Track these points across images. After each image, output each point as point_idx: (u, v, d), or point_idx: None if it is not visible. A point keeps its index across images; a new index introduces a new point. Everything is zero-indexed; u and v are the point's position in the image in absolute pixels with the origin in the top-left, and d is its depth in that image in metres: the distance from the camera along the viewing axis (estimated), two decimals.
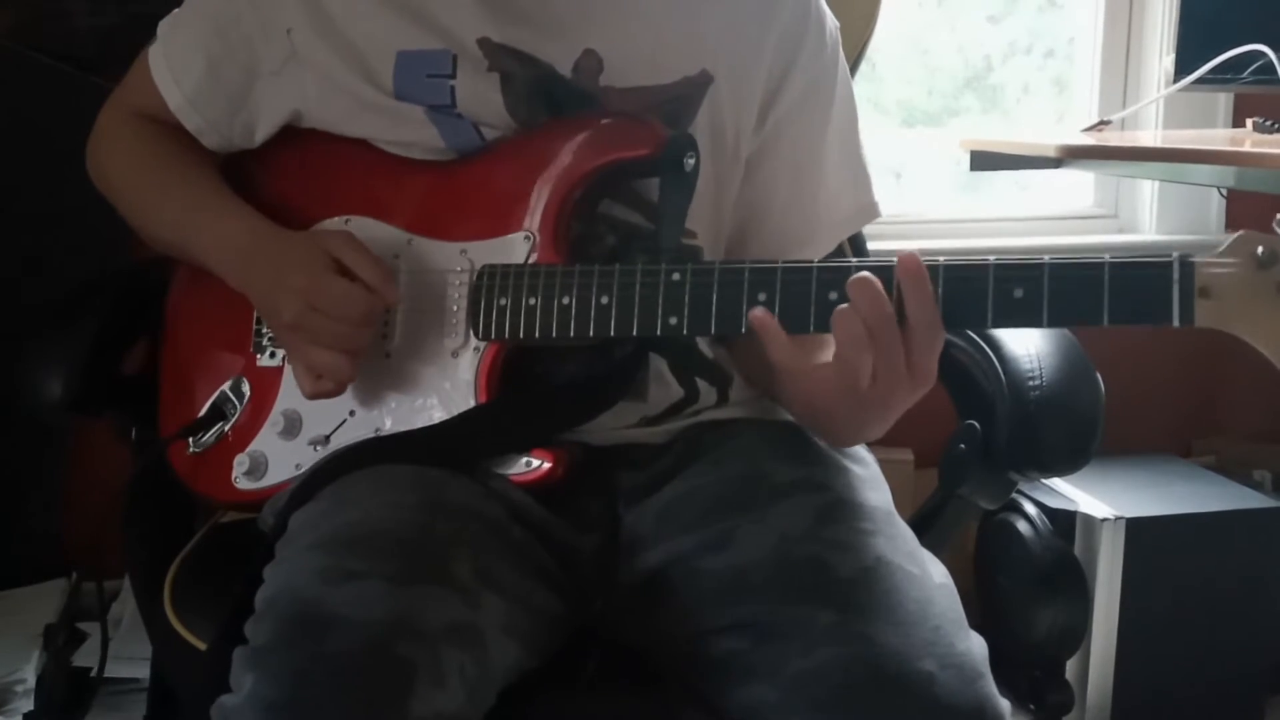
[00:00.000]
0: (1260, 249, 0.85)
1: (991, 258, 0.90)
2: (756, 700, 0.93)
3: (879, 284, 0.90)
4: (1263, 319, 0.85)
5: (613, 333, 1.00)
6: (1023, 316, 0.90)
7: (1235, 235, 0.86)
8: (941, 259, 0.91)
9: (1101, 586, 1.89)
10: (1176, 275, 0.86)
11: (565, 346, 1.04)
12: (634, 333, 0.99)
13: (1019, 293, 0.89)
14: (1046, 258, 0.89)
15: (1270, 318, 0.85)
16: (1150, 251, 0.88)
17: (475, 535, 0.96)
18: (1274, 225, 0.85)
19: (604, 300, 1.00)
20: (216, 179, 1.17)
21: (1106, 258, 0.88)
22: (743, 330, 0.96)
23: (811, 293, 0.94)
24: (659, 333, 0.99)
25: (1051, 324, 0.89)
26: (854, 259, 0.94)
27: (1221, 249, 0.86)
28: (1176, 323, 0.86)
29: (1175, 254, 0.86)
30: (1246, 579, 1.96)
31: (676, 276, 0.98)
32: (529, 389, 1.07)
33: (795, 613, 0.94)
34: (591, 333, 1.01)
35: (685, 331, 0.98)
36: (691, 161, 1.04)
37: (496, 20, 1.08)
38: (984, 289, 0.90)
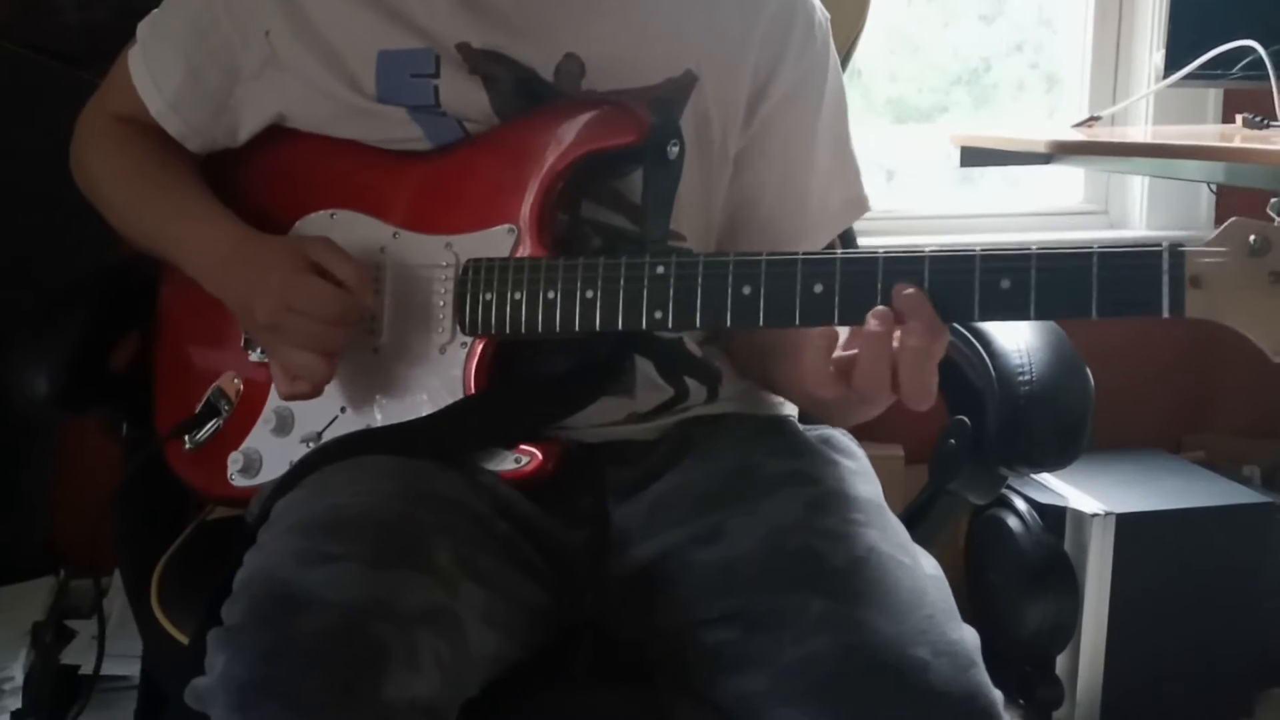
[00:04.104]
0: (1253, 236, 0.82)
1: (978, 248, 0.89)
2: (749, 690, 0.92)
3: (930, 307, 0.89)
4: (1256, 308, 0.82)
5: (598, 327, 0.99)
6: (1010, 309, 0.88)
7: (1226, 223, 0.84)
8: (927, 249, 0.90)
9: (1091, 582, 1.89)
10: (1166, 265, 0.83)
11: (552, 340, 1.04)
12: (619, 327, 0.98)
13: (1005, 284, 0.87)
14: (1034, 248, 0.88)
15: (1264, 306, 0.82)
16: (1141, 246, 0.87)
17: (457, 525, 0.96)
18: (1268, 210, 0.83)
19: (589, 295, 0.99)
20: (199, 185, 1.15)
21: (1095, 247, 0.86)
22: (728, 324, 0.95)
23: (797, 285, 0.93)
24: (644, 327, 0.98)
25: (1039, 316, 0.88)
26: (839, 251, 0.92)
27: (1212, 237, 0.84)
28: (1166, 313, 0.84)
29: (1165, 243, 0.84)
30: (1236, 574, 1.96)
31: (661, 270, 0.97)
32: (517, 383, 1.06)
33: (787, 602, 0.94)
34: (577, 327, 1.00)
35: (671, 326, 0.97)
36: (675, 149, 1.03)
37: (475, 25, 1.08)
38: (970, 281, 0.88)
